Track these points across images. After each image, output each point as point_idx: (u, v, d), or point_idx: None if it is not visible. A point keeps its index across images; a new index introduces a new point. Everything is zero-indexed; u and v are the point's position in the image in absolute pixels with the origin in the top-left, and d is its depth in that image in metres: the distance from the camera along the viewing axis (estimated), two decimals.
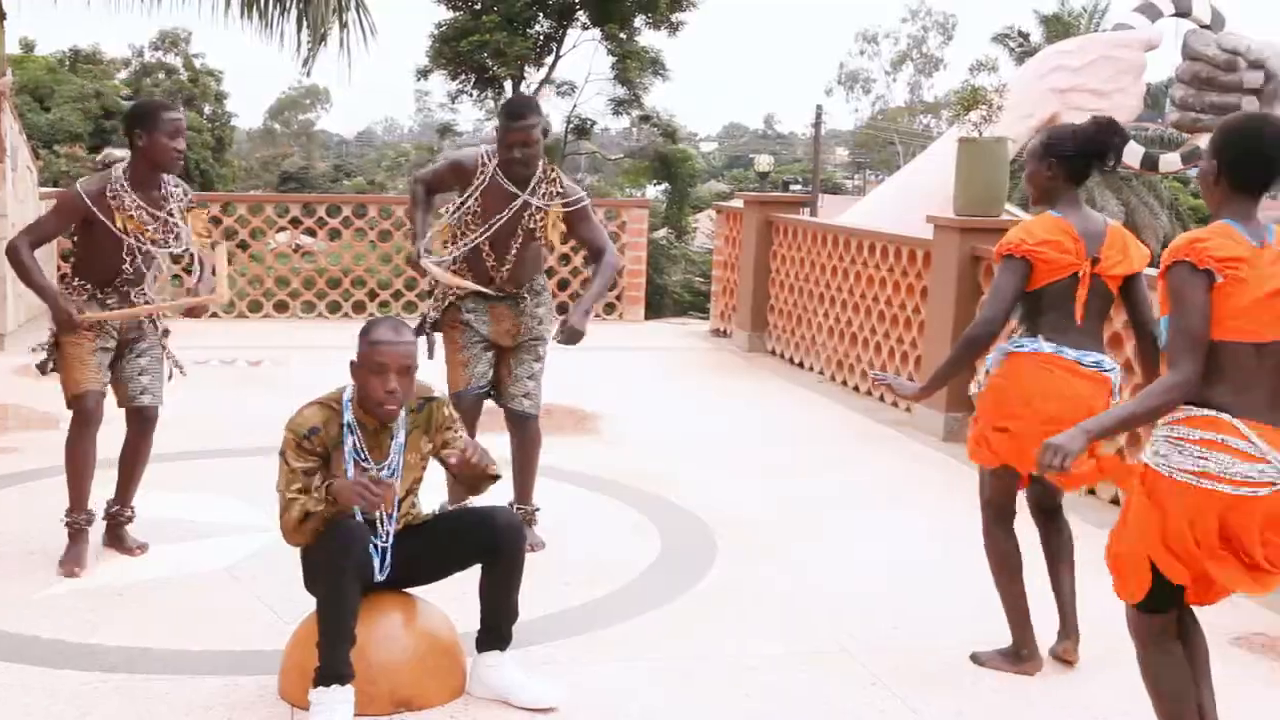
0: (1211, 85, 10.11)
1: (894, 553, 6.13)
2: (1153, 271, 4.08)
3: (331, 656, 3.96)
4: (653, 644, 4.90)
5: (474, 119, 33.35)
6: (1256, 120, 3.55)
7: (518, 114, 5.60)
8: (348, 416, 4.13)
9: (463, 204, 5.73)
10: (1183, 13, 11.89)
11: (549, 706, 4.24)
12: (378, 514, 4.18)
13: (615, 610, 5.23)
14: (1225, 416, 3.35)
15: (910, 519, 6.71)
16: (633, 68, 30.09)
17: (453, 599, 4.48)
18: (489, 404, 6.03)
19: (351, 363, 4.13)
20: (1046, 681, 4.64)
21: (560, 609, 5.17)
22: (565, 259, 13.91)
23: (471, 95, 30.31)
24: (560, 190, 5.76)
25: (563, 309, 11.32)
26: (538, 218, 5.71)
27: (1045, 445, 3.46)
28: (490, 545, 4.22)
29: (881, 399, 9.74)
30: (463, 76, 30.04)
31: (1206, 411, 3.37)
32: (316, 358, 10.31)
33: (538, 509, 6.05)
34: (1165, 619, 3.58)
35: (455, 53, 29.04)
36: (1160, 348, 3.59)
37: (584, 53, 32.35)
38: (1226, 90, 10.87)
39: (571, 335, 5.73)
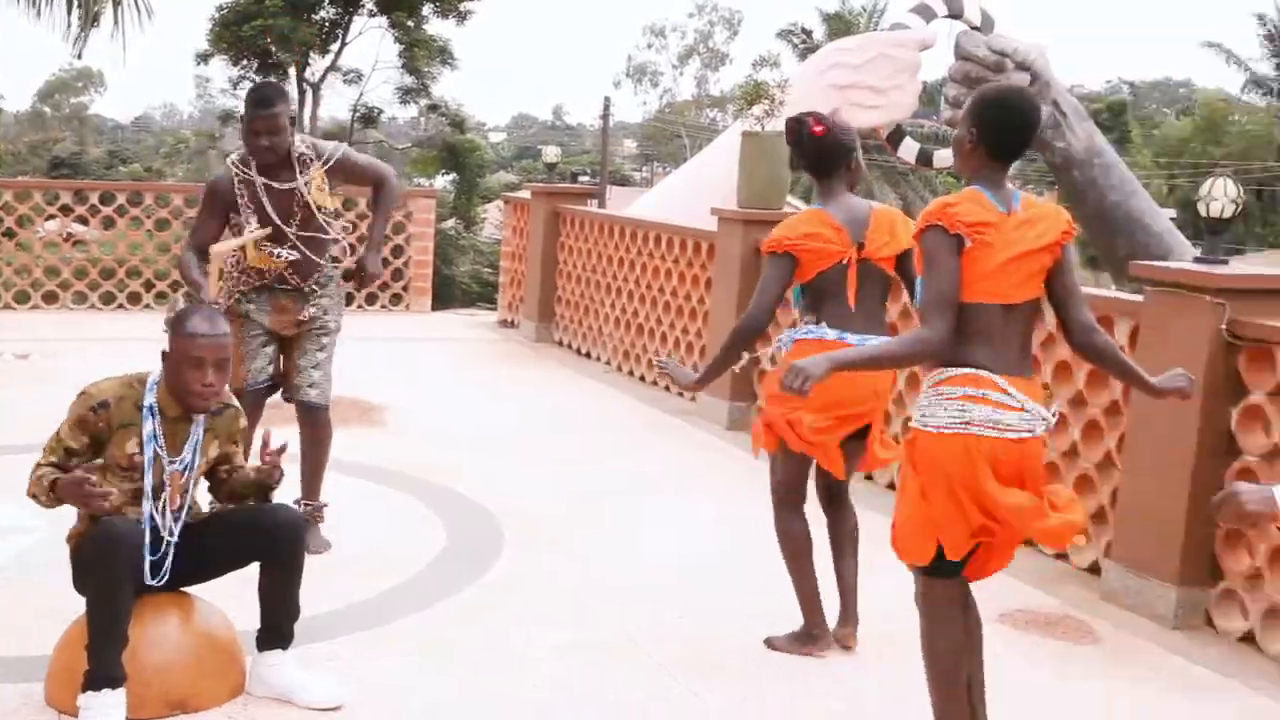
0: (981, 85, 10.53)
1: (681, 542, 6.20)
2: None
3: (102, 659, 3.83)
4: (438, 637, 4.86)
5: None
6: (1011, 92, 3.72)
7: (264, 101, 5.48)
8: (150, 399, 4.03)
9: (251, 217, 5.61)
10: (955, 14, 12.30)
11: (332, 706, 4.17)
12: (158, 511, 4.06)
13: (400, 604, 5.18)
14: (984, 372, 3.53)
15: (696, 506, 6.81)
16: (420, 56, 29.81)
17: (231, 596, 4.36)
18: (276, 400, 5.89)
19: (163, 352, 4.04)
20: (828, 666, 4.76)
21: (344, 604, 5.09)
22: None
23: (254, 81, 29.50)
24: (315, 154, 5.66)
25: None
26: (307, 190, 5.61)
27: (790, 367, 3.52)
28: (268, 544, 4.13)
29: (667, 389, 9.85)
30: (245, 62, 29.32)
31: (966, 370, 3.54)
32: (89, 350, 9.94)
33: (325, 505, 5.94)
34: (951, 586, 3.71)
35: (237, 37, 28.32)
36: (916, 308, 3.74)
37: (371, 40, 31.96)
38: None
39: (364, 279, 5.76)
